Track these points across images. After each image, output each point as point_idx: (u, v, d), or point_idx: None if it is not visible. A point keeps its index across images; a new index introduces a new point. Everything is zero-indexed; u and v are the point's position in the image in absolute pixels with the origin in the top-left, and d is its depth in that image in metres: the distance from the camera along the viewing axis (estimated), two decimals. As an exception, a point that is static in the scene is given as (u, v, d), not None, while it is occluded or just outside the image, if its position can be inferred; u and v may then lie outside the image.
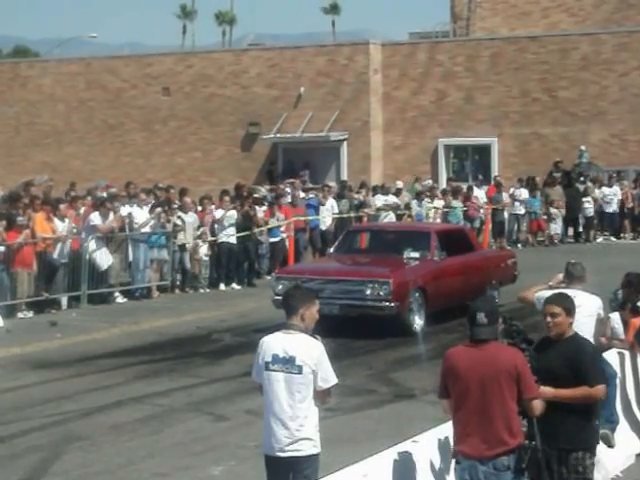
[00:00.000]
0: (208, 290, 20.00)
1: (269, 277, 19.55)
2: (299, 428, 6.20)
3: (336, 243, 17.75)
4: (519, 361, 6.24)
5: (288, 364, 6.19)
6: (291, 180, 27.32)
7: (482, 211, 26.62)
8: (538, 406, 6.32)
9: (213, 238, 20.25)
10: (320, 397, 6.26)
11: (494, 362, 6.18)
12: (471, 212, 26.11)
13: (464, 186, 27.52)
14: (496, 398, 6.16)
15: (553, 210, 27.39)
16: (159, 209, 19.38)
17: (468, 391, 6.21)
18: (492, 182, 28.87)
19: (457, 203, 25.94)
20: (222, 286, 20.20)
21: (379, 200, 25.15)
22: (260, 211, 21.55)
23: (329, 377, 6.24)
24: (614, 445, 8.67)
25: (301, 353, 6.18)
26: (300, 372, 6.18)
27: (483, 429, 6.17)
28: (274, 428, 6.23)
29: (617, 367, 9.35)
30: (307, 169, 32.59)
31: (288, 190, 24.53)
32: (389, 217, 24.32)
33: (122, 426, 10.39)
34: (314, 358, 6.19)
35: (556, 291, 7.22)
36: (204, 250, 20.11)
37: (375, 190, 26.16)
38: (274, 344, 6.29)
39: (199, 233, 20.09)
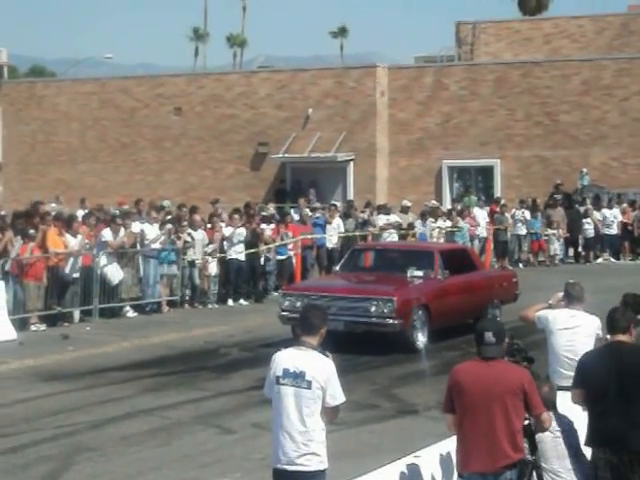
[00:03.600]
0: (216, 305, 20.14)
1: (276, 293, 19.77)
2: (307, 443, 6.25)
3: (342, 261, 17.86)
4: (526, 380, 6.38)
5: (298, 379, 6.24)
6: (294, 206, 27.72)
7: (480, 229, 27.01)
8: (547, 419, 6.56)
9: (222, 255, 20.47)
10: (328, 414, 6.32)
11: (501, 380, 6.30)
12: (470, 231, 26.47)
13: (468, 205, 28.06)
14: (501, 414, 6.27)
15: (553, 231, 27.80)
16: (169, 226, 19.62)
17: (474, 406, 6.31)
18: (495, 202, 29.32)
19: (463, 223, 26.39)
20: (230, 302, 20.40)
21: (381, 220, 25.34)
22: (268, 229, 21.78)
23: (337, 395, 6.27)
24: None
25: (311, 369, 6.24)
26: (309, 387, 6.23)
27: (488, 444, 6.27)
28: (282, 441, 6.29)
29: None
30: (314, 188, 32.80)
31: (292, 212, 25.02)
32: (392, 236, 24.51)
33: (131, 438, 10.42)
34: (324, 375, 6.24)
35: None
36: (213, 266, 20.28)
37: (378, 209, 26.33)
38: (285, 359, 6.36)
39: (209, 250, 20.30)
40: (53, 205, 25.44)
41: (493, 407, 6.26)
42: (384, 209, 26.18)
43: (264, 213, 23.65)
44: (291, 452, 6.25)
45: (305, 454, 6.24)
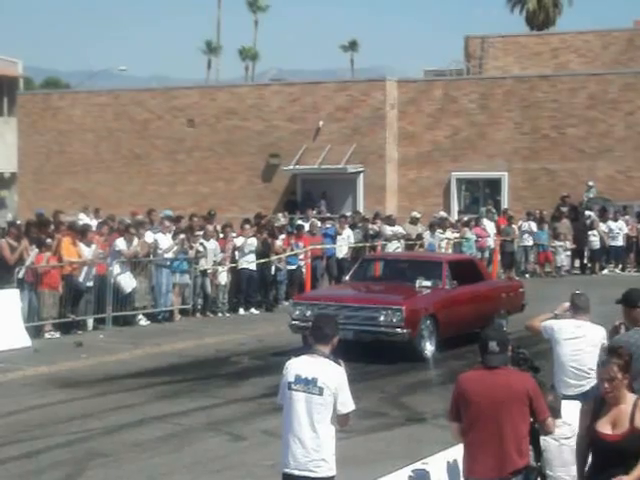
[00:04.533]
0: (228, 314, 20.42)
1: (287, 303, 20.03)
2: (316, 448, 6.34)
3: (351, 271, 18.05)
4: (530, 385, 6.44)
5: (310, 385, 6.33)
6: (302, 217, 28.04)
7: (490, 240, 27.31)
8: (551, 424, 6.60)
9: (233, 264, 20.75)
10: (339, 421, 6.44)
11: (506, 386, 6.35)
12: (480, 242, 26.83)
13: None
14: (508, 420, 6.31)
15: (560, 243, 28.10)
16: (182, 236, 19.90)
17: (480, 414, 6.35)
18: (502, 214, 29.62)
19: (471, 234, 26.78)
20: (241, 311, 20.69)
21: (387, 231, 25.65)
22: (279, 239, 22.06)
23: (347, 403, 6.38)
24: None
25: (323, 376, 6.35)
26: (321, 394, 6.31)
27: (495, 450, 6.31)
28: (292, 446, 6.37)
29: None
30: (324, 200, 33.14)
31: (300, 222, 25.24)
32: (397, 247, 24.84)
33: (143, 444, 10.53)
34: (335, 382, 6.34)
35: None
36: (223, 276, 20.53)
37: (384, 221, 26.57)
38: (298, 366, 6.48)
39: (218, 259, 20.53)
40: (82, 215, 25.78)
41: (499, 414, 6.33)
42: (389, 220, 26.49)
43: (277, 225, 23.97)
44: (301, 457, 6.37)
45: (314, 460, 6.36)
